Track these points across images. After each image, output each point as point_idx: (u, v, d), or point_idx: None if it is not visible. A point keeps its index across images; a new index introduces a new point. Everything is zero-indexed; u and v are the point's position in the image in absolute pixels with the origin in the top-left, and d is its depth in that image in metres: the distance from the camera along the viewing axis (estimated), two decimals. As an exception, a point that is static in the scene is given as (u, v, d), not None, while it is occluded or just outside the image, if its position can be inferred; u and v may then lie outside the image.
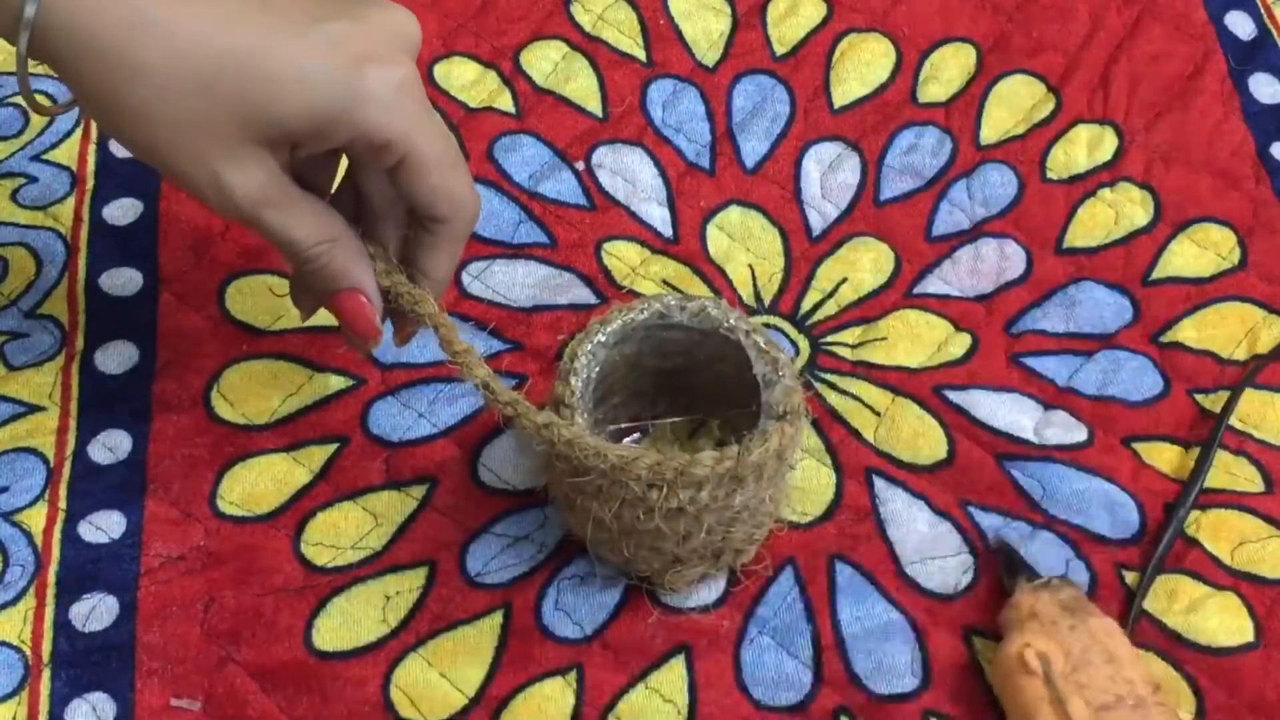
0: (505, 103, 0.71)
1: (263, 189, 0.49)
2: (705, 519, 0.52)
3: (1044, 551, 0.58)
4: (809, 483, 0.60)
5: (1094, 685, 0.51)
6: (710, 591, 0.57)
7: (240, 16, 0.47)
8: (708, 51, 0.73)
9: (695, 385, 0.58)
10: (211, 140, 0.47)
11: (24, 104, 0.50)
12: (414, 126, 0.49)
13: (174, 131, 0.47)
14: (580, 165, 0.69)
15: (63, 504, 0.59)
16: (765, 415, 0.53)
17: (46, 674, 0.55)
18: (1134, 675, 0.51)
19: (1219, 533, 0.59)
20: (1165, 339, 0.65)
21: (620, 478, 0.51)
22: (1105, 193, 0.69)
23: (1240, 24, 0.75)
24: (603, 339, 0.55)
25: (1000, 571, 0.57)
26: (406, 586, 0.57)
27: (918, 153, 0.70)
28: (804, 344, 0.64)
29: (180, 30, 0.46)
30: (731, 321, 0.55)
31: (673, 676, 0.55)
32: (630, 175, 0.69)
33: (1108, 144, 0.70)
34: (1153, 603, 0.57)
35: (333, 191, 0.55)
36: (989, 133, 0.71)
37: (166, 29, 0.45)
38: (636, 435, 0.60)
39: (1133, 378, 0.63)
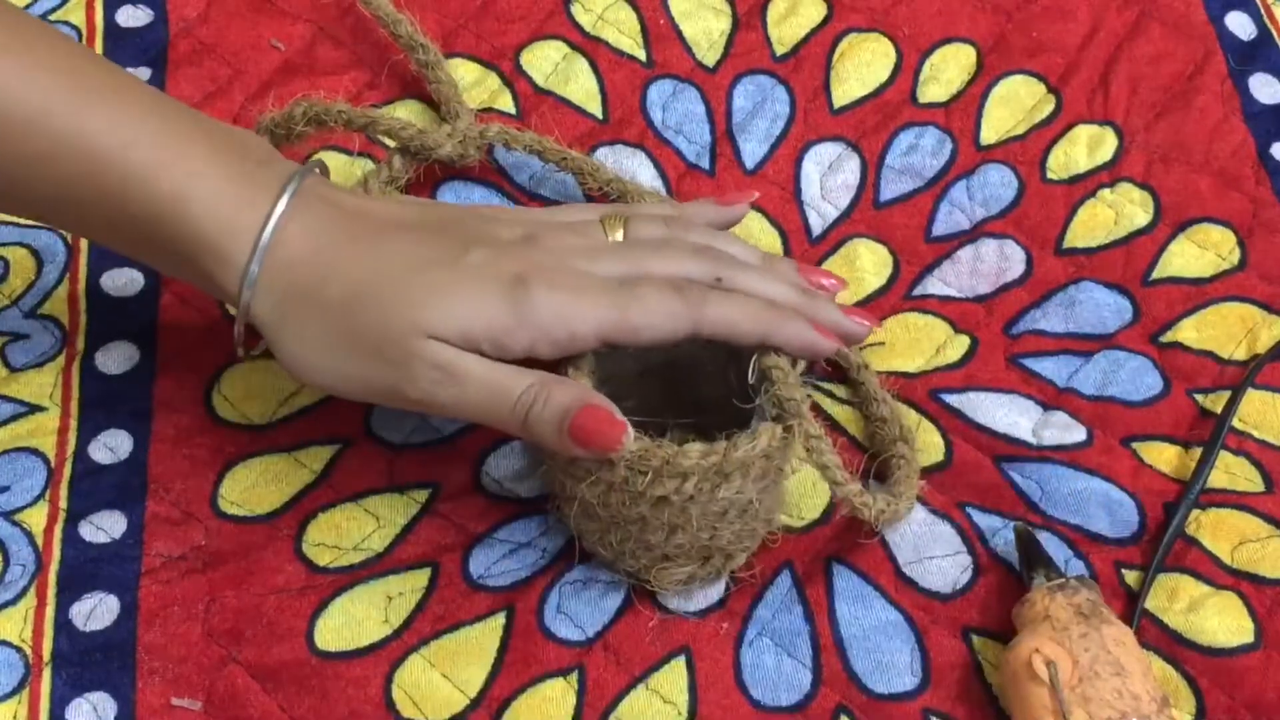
0: (506, 103, 0.71)
1: (452, 362, 0.51)
2: (691, 511, 0.52)
3: (1043, 552, 0.58)
4: (805, 487, 0.60)
5: (1099, 699, 0.51)
6: (709, 594, 0.57)
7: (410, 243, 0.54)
8: (708, 52, 0.73)
9: (712, 396, 0.57)
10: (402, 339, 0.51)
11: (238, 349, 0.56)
12: None
13: (377, 338, 0.51)
14: (580, 165, 0.69)
15: (63, 504, 0.59)
16: (758, 416, 0.53)
17: (47, 673, 0.55)
18: (1141, 690, 0.51)
19: (1219, 532, 0.59)
20: (1165, 339, 0.65)
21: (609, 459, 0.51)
22: (1105, 193, 0.69)
23: (1240, 24, 0.75)
24: None
25: (1019, 561, 0.57)
26: (409, 587, 0.57)
27: (918, 153, 0.70)
28: (803, 345, 0.64)
29: (362, 259, 0.52)
30: None
31: (673, 677, 0.55)
32: (630, 176, 0.69)
33: (1108, 144, 0.70)
34: (1152, 601, 0.57)
35: None
36: (989, 133, 0.71)
37: (351, 260, 0.52)
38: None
39: (1132, 378, 0.63)
